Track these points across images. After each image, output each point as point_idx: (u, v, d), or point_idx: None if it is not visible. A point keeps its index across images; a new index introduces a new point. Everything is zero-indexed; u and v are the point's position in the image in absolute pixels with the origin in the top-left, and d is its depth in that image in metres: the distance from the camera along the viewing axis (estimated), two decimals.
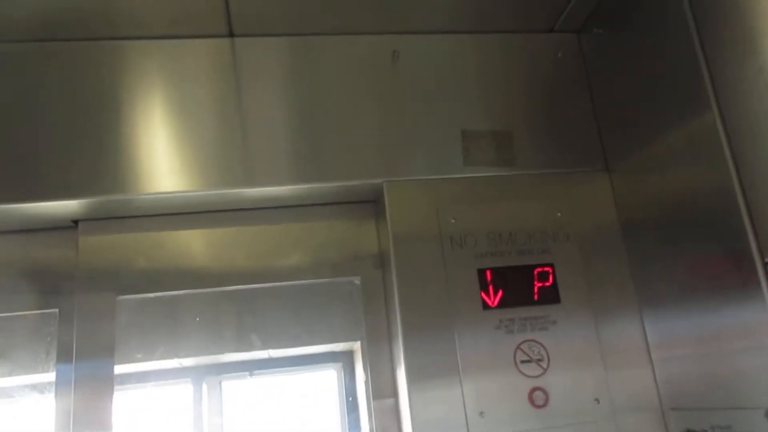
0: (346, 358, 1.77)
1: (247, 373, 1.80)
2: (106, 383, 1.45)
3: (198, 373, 1.74)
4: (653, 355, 1.51)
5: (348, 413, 1.71)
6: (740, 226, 1.20)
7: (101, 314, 1.48)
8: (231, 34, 1.59)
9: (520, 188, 1.61)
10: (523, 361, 1.46)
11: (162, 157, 1.51)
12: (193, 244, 1.59)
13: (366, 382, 1.59)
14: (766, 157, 1.14)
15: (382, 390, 1.55)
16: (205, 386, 1.75)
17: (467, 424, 1.40)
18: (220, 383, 1.80)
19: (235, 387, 1.80)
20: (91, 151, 1.48)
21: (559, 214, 1.59)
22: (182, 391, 1.73)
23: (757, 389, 1.19)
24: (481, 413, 1.41)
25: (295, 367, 1.81)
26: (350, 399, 1.72)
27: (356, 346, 1.69)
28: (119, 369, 1.52)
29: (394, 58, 1.63)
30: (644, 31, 1.48)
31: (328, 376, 1.81)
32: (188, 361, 1.68)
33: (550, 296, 1.52)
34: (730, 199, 1.22)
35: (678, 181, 1.39)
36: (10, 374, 1.51)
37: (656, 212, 1.49)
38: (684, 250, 1.38)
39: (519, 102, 1.67)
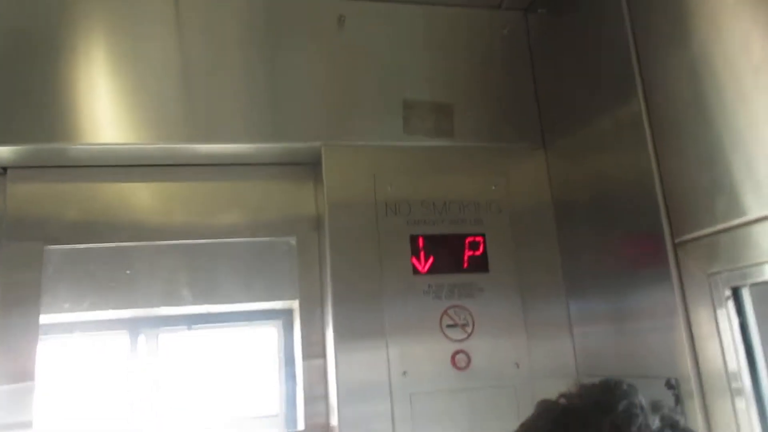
0: (286, 315, 1.79)
1: (185, 326, 1.81)
2: (31, 332, 1.44)
3: (135, 325, 1.73)
4: (574, 326, 1.59)
5: (285, 369, 1.74)
6: (655, 209, 1.26)
7: (28, 263, 1.47)
8: None
9: (457, 160, 1.64)
10: (448, 326, 1.52)
11: (101, 107, 1.48)
12: (129, 197, 1.58)
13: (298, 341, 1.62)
14: (684, 146, 1.20)
15: (312, 350, 1.59)
16: (142, 337, 1.75)
17: (390, 382, 1.46)
18: (157, 335, 1.80)
19: (173, 340, 1.81)
20: (24, 95, 1.44)
21: (493, 187, 1.64)
22: (119, 341, 1.74)
23: (660, 361, 1.27)
24: (404, 372, 1.47)
25: (235, 323, 1.82)
26: (288, 356, 1.75)
27: (296, 304, 1.71)
28: (56, 318, 1.52)
29: (339, 22, 1.62)
30: (584, 15, 1.51)
31: (268, 333, 1.83)
32: (126, 313, 1.67)
33: (480, 265, 1.57)
34: (648, 183, 1.28)
35: (606, 163, 1.45)
36: None
37: (586, 191, 1.55)
38: (607, 230, 1.45)
39: (462, 75, 1.69)
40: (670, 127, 1.24)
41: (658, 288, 1.27)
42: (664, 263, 1.24)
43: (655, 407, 0.80)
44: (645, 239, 1.31)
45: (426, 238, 1.55)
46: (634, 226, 1.35)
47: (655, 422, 0.73)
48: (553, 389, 1.56)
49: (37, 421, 1.42)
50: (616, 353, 1.43)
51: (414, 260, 1.54)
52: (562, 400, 0.91)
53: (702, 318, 1.18)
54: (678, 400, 1.21)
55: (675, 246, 1.23)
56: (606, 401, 0.83)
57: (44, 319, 1.47)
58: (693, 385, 1.18)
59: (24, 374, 1.42)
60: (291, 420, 1.64)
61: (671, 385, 1.23)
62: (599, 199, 1.48)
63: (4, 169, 1.51)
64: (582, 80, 1.53)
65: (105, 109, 1.48)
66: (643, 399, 0.83)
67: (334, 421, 1.46)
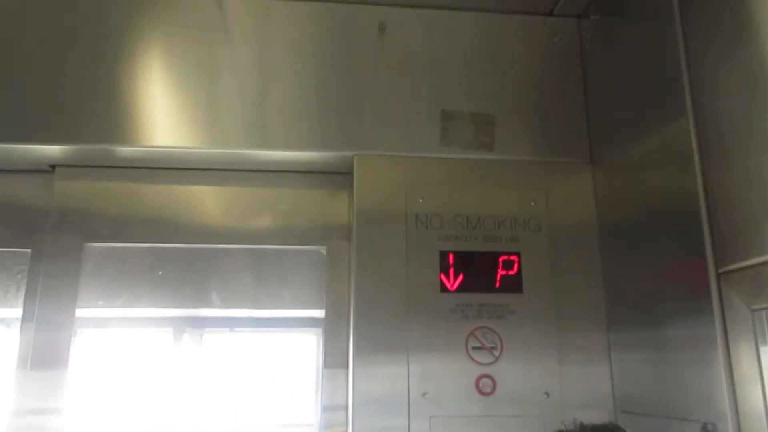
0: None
1: (227, 328, 1.84)
2: (67, 324, 1.49)
3: (180, 324, 1.77)
4: (613, 357, 1.48)
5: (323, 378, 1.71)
6: (699, 235, 1.15)
7: (68, 258, 1.52)
8: None
9: (496, 174, 1.57)
10: (474, 348, 1.45)
11: (146, 111, 1.53)
12: (166, 199, 1.61)
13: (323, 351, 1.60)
14: (735, 166, 1.09)
15: (335, 360, 1.55)
16: (186, 336, 1.78)
17: (409, 402, 1.40)
18: (201, 335, 1.83)
19: (216, 340, 1.84)
20: (77, 97, 1.50)
21: (533, 203, 1.56)
22: (164, 339, 1.78)
23: (698, 402, 1.16)
24: (424, 394, 1.41)
25: (275, 328, 1.83)
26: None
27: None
28: (101, 312, 1.57)
29: (380, 30, 1.60)
30: (637, 23, 1.41)
31: (308, 340, 1.82)
32: (171, 312, 1.71)
33: (513, 285, 1.50)
34: (693, 206, 1.17)
35: (652, 183, 1.34)
36: None
37: (632, 212, 1.44)
38: (652, 255, 1.34)
39: (507, 85, 1.63)
40: (719, 145, 1.13)
41: (698, 322, 1.15)
42: (705, 295, 1.13)
43: None
44: (687, 267, 1.20)
45: (457, 254, 1.49)
46: (677, 252, 1.24)
47: None
48: (586, 421, 1.46)
49: (67, 409, 1.47)
50: (655, 390, 1.31)
51: (442, 277, 1.48)
52: None
53: (744, 357, 1.06)
54: None
55: (718, 276, 1.12)
56: None
57: (82, 312, 1.52)
58: (730, 429, 1.06)
59: (57, 364, 1.47)
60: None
61: (707, 431, 1.11)
62: (645, 221, 1.37)
63: (53, 167, 1.58)
64: (633, 92, 1.43)
65: (149, 112, 1.53)
66: None
67: None
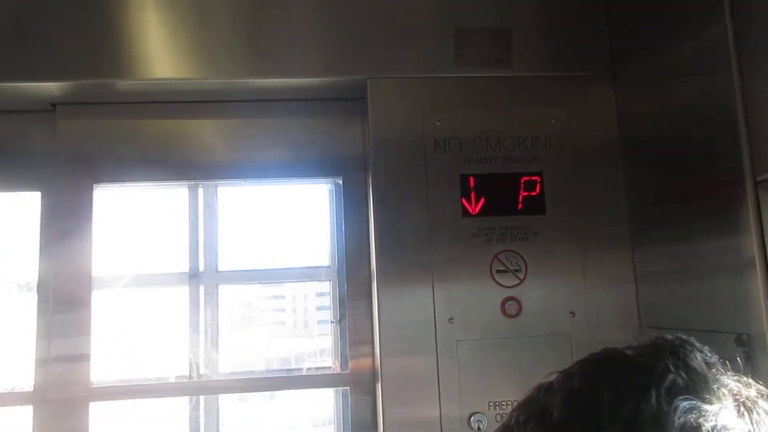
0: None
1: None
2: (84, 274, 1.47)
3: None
4: (638, 273, 1.46)
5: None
6: (737, 144, 1.10)
7: (78, 200, 1.48)
8: None
9: (515, 91, 1.50)
10: (499, 271, 1.43)
11: (145, 43, 1.45)
12: (173, 134, 1.55)
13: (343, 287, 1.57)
14: None
15: (358, 293, 1.53)
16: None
17: (435, 329, 1.39)
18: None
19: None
20: (74, 30, 1.43)
21: (553, 121, 1.50)
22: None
23: (731, 315, 1.14)
24: (450, 319, 1.40)
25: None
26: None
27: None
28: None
29: None
30: None
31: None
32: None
33: (535, 206, 1.46)
34: (730, 116, 1.12)
35: (683, 94, 1.29)
36: None
37: (659, 126, 1.39)
38: (681, 168, 1.29)
39: None
40: (759, 49, 1.07)
41: (734, 234, 1.12)
42: (742, 206, 1.09)
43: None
44: (722, 179, 1.16)
45: (477, 177, 1.45)
46: (710, 164, 1.20)
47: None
48: (612, 339, 1.45)
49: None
50: (682, 305, 1.30)
51: (464, 201, 1.44)
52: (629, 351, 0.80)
53: None
54: (749, 357, 1.08)
55: (756, 185, 1.08)
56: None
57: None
58: (767, 337, 1.05)
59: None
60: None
61: (742, 342, 1.10)
62: (673, 135, 1.32)
63: (54, 105, 1.52)
64: None
65: (152, 43, 1.45)
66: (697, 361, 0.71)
67: (378, 365, 1.43)
